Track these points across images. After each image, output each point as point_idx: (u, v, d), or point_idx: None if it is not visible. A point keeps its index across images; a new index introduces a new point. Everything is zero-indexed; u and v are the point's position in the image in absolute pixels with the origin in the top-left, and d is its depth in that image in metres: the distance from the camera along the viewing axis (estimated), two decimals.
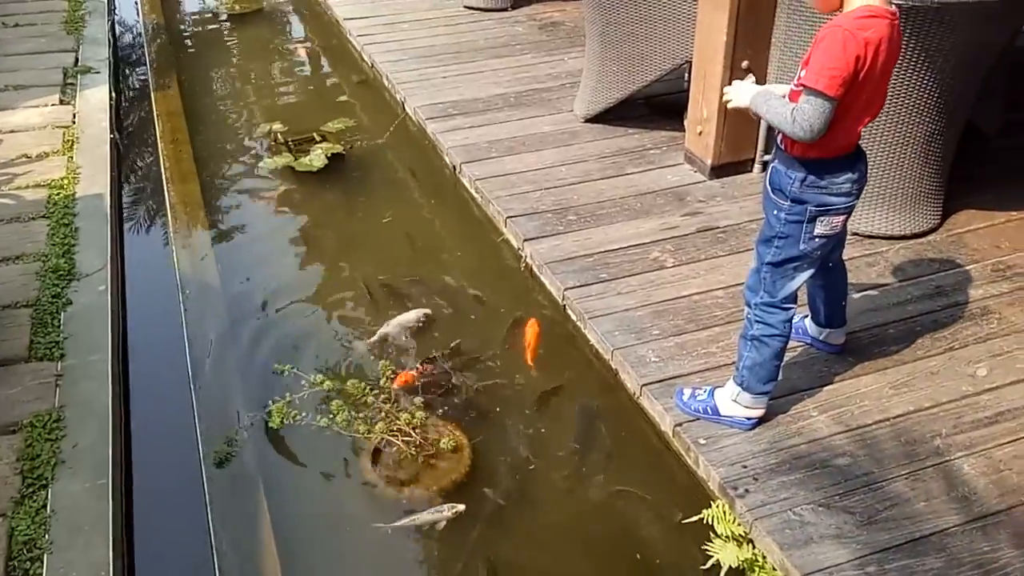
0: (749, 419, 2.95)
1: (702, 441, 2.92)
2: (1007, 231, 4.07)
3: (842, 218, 2.76)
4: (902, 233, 4.01)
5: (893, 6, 2.46)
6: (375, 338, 3.73)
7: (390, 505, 3.11)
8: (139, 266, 4.48)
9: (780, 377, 2.96)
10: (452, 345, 3.75)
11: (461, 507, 3.03)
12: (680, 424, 3.01)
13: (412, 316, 3.66)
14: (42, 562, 2.67)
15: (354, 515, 3.10)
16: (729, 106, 2.80)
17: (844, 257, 3.40)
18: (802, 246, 2.74)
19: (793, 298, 2.85)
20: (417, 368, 3.61)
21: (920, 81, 3.66)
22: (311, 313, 4.09)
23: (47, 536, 2.75)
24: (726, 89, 2.79)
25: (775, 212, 2.75)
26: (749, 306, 2.89)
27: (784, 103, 2.57)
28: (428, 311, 3.53)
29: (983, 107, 4.37)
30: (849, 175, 2.66)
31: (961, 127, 4.02)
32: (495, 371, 3.65)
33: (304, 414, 3.40)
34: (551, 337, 3.80)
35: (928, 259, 3.89)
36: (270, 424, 3.38)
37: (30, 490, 2.91)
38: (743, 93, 2.71)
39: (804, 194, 2.66)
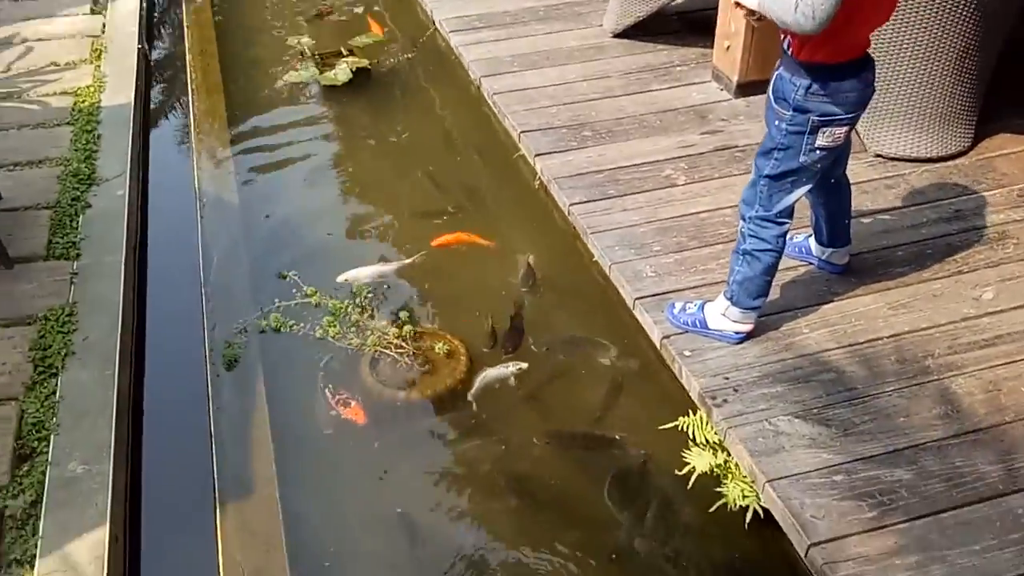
0: (737, 333, 2.93)
1: (687, 353, 2.92)
2: None
3: (845, 130, 2.67)
4: (928, 155, 3.87)
5: None
6: (475, 389, 3.22)
7: (388, 408, 3.18)
8: (160, 174, 4.58)
9: (774, 295, 2.92)
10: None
11: (524, 365, 3.22)
12: (667, 336, 3.00)
13: (507, 371, 3.22)
14: (49, 441, 2.82)
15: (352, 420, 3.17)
16: (740, 7, 2.67)
17: (864, 179, 3.32)
18: (802, 158, 2.66)
19: (789, 213, 2.79)
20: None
21: None
22: (322, 226, 4.14)
23: (55, 419, 2.89)
24: None
25: (776, 123, 2.67)
26: (743, 219, 2.83)
27: None
28: (524, 365, 3.20)
29: None
30: (855, 82, 2.56)
31: (1000, 43, 3.81)
32: (502, 288, 3.67)
33: (302, 325, 3.47)
34: (560, 253, 3.81)
35: (952, 183, 3.75)
36: (268, 329, 3.46)
37: (41, 377, 3.05)
38: None
39: (808, 102, 2.58)
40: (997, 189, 3.70)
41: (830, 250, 3.20)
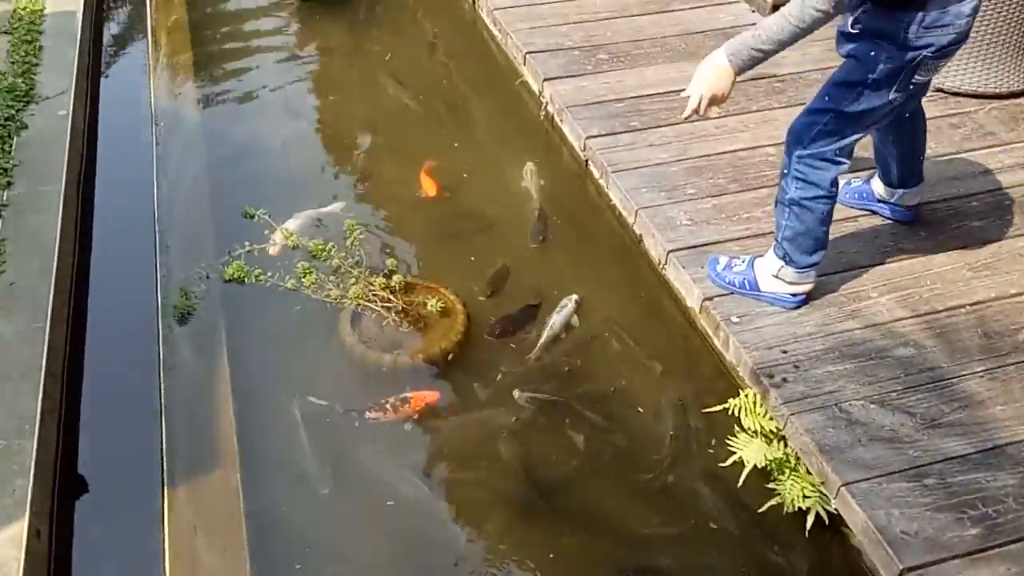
0: (794, 296, 2.45)
1: (735, 319, 2.44)
2: None
3: (948, 59, 2.19)
4: (996, 91, 3.38)
5: None
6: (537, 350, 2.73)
7: (372, 375, 2.68)
8: (112, 93, 4.02)
9: (834, 251, 2.44)
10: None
11: (575, 296, 2.82)
12: (710, 298, 2.52)
13: (568, 311, 2.79)
14: None
15: (329, 382, 2.67)
16: (691, 107, 2.27)
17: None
18: (892, 95, 2.17)
19: (849, 152, 2.30)
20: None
21: None
22: (296, 159, 3.61)
23: None
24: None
25: (872, 53, 2.13)
26: (790, 158, 2.32)
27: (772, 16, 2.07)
28: (575, 296, 2.81)
29: None
30: (971, 1, 2.06)
31: None
32: (501, 238, 3.16)
33: (270, 274, 2.94)
34: (569, 196, 3.29)
35: None
36: (229, 278, 2.94)
37: None
38: (705, 67, 2.24)
39: (922, 39, 2.07)
40: None
41: (901, 191, 2.71)
